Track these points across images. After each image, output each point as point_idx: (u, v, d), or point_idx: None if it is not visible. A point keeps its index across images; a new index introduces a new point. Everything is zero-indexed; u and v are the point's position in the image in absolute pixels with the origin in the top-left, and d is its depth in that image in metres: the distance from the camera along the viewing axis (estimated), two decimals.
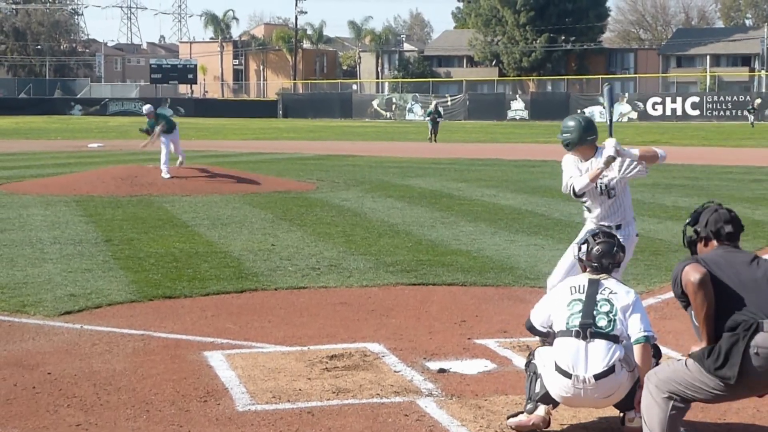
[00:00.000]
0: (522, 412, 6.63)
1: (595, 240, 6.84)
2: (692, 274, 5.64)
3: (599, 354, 6.29)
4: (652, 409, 5.80)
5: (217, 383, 7.60)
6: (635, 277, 11.52)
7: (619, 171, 8.12)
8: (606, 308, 6.46)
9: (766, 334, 5.49)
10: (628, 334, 6.44)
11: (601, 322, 6.40)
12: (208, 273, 12.22)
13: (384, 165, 32.00)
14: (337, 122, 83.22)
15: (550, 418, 6.56)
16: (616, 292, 6.57)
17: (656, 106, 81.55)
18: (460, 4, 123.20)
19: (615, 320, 6.42)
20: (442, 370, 7.95)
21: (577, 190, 8.23)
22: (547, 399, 6.51)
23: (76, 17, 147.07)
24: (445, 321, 9.73)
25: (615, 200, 8.12)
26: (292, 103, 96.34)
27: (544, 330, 6.70)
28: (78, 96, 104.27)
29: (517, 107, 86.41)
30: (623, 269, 8.31)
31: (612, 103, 8.74)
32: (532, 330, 6.83)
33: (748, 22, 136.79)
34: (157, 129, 24.44)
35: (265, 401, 7.16)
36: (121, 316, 9.90)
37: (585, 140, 8.16)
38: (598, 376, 6.25)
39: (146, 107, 25.62)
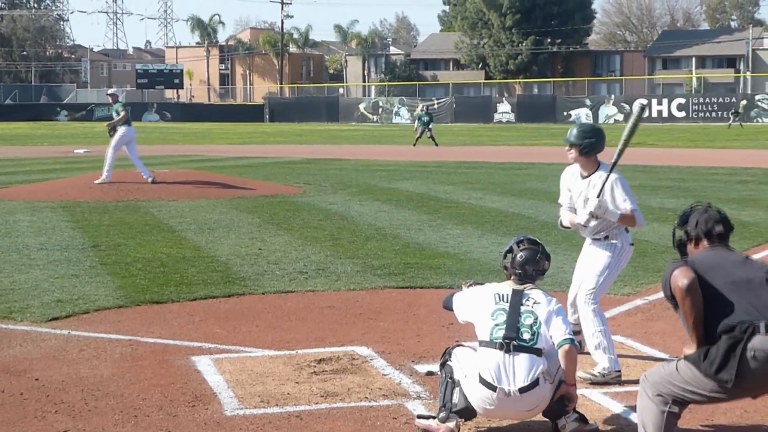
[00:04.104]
0: (433, 417, 6.53)
1: (519, 247, 6.75)
2: (680, 279, 5.58)
3: (523, 367, 6.27)
4: (647, 411, 5.80)
5: (205, 388, 7.59)
6: (622, 279, 11.50)
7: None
8: (530, 320, 6.42)
9: (762, 336, 5.47)
10: (552, 342, 6.40)
11: (525, 335, 6.37)
12: (195, 278, 12.21)
13: (371, 168, 31.99)
14: (323, 126, 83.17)
15: (459, 430, 6.45)
16: (540, 302, 6.52)
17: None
18: (446, 8, 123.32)
19: (538, 333, 6.39)
20: (430, 373, 7.95)
21: (563, 224, 8.29)
22: (466, 414, 6.41)
23: (61, 23, 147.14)
24: (433, 324, 9.73)
25: (601, 220, 8.03)
26: (278, 107, 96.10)
27: (462, 322, 6.72)
28: (64, 101, 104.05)
29: (504, 110, 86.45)
30: (614, 277, 8.27)
31: (635, 127, 7.87)
32: (449, 308, 6.85)
33: (733, 24, 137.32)
34: (122, 113, 23.03)
35: (253, 405, 7.16)
36: (108, 322, 9.88)
37: (600, 150, 8.05)
38: (522, 390, 6.24)
39: (111, 89, 24.14)
